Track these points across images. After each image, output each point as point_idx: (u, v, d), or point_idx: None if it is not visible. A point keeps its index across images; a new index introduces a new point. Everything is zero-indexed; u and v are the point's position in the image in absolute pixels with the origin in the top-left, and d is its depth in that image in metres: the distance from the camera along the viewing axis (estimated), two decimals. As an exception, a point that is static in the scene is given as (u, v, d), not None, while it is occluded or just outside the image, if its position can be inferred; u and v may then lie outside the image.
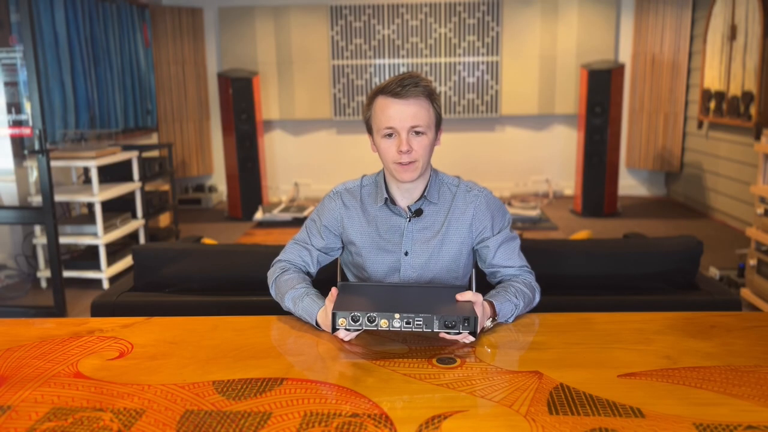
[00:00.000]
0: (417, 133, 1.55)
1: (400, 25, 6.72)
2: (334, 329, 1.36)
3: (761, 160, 3.70)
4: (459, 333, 1.33)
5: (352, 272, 1.79)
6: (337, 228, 1.71)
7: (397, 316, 1.32)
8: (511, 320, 1.55)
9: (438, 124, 1.61)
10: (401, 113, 1.53)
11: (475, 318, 1.33)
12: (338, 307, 1.35)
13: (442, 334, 1.35)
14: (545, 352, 1.36)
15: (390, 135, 1.55)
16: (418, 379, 1.23)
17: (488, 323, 1.48)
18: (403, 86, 1.52)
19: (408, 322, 1.32)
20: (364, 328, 1.34)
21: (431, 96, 1.56)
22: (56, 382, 1.24)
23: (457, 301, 1.40)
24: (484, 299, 1.47)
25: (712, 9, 5.75)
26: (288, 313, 1.60)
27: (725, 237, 5.21)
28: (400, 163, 1.55)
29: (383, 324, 1.32)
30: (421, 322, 1.32)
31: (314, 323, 1.50)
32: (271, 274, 1.69)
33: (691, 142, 6.43)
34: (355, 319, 1.33)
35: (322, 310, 1.48)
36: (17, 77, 3.98)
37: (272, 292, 1.66)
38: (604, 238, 2.93)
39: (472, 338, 1.38)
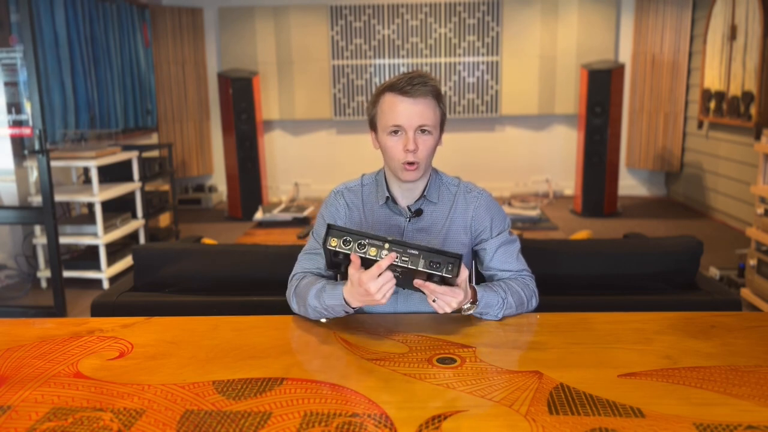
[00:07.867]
0: (423, 131, 1.54)
1: (400, 25, 6.72)
2: (325, 249, 1.35)
3: (761, 160, 3.70)
4: (442, 279, 1.33)
5: None
6: None
7: (386, 246, 1.33)
8: (499, 315, 1.53)
9: (443, 125, 1.61)
10: (409, 111, 1.52)
11: (460, 259, 1.33)
12: (334, 227, 1.35)
13: (420, 283, 1.35)
14: (545, 352, 1.36)
15: (396, 132, 1.55)
16: (418, 379, 1.23)
17: (467, 306, 1.48)
18: (412, 84, 1.51)
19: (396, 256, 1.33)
20: (352, 252, 1.34)
21: (438, 96, 1.56)
22: (56, 382, 1.24)
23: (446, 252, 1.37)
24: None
25: (712, 9, 5.75)
26: (288, 313, 1.60)
27: (725, 237, 5.21)
28: (406, 163, 1.55)
29: (372, 252, 1.34)
30: (407, 259, 1.33)
31: (342, 302, 1.45)
32: (289, 290, 1.62)
33: (691, 142, 6.43)
34: (346, 243, 1.34)
35: (347, 286, 1.43)
36: (17, 77, 3.98)
37: (294, 306, 1.59)
38: (604, 238, 2.94)
39: (449, 308, 1.38)
